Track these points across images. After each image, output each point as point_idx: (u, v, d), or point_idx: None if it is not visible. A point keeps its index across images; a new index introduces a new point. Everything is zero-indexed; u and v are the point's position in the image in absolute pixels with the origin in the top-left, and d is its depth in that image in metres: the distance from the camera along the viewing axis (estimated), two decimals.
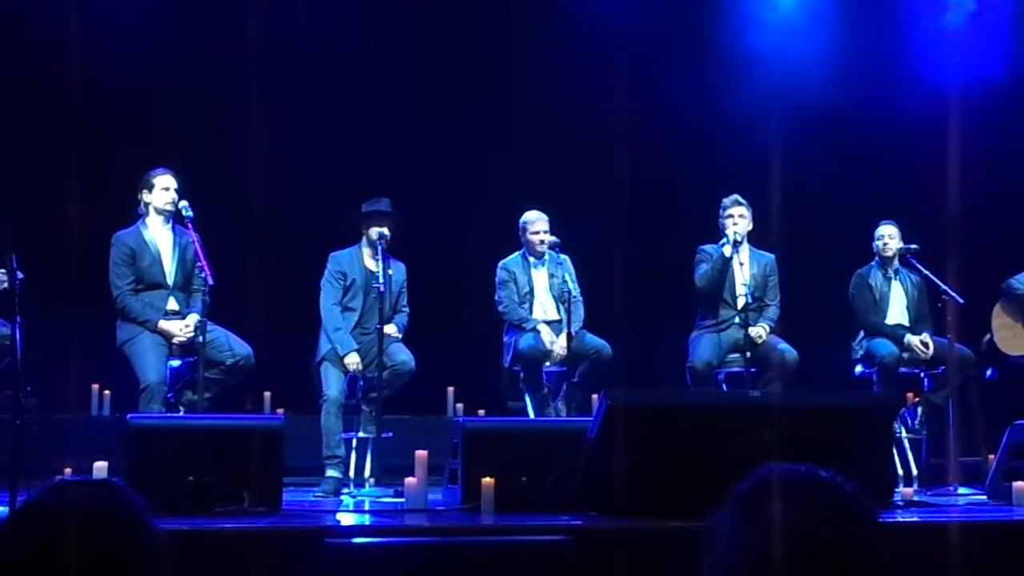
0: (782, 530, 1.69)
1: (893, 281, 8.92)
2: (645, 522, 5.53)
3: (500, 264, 8.72)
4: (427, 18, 10.30)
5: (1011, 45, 10.51)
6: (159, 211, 7.58)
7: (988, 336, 8.96)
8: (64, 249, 8.50)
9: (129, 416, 6.50)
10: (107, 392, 8.90)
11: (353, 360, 7.83)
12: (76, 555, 1.71)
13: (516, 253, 8.75)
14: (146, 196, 7.59)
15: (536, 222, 8.66)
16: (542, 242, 8.60)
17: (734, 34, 10.58)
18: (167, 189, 7.54)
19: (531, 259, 8.70)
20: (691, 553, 1.87)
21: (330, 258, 8.12)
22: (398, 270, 8.11)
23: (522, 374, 8.44)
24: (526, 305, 8.62)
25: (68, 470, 7.26)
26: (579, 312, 8.54)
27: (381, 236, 7.96)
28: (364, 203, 8.12)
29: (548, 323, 8.52)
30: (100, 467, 6.50)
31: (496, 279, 8.69)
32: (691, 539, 1.88)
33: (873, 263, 8.98)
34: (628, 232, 9.66)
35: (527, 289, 8.65)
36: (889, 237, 8.87)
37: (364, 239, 8.11)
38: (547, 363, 8.43)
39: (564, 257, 8.70)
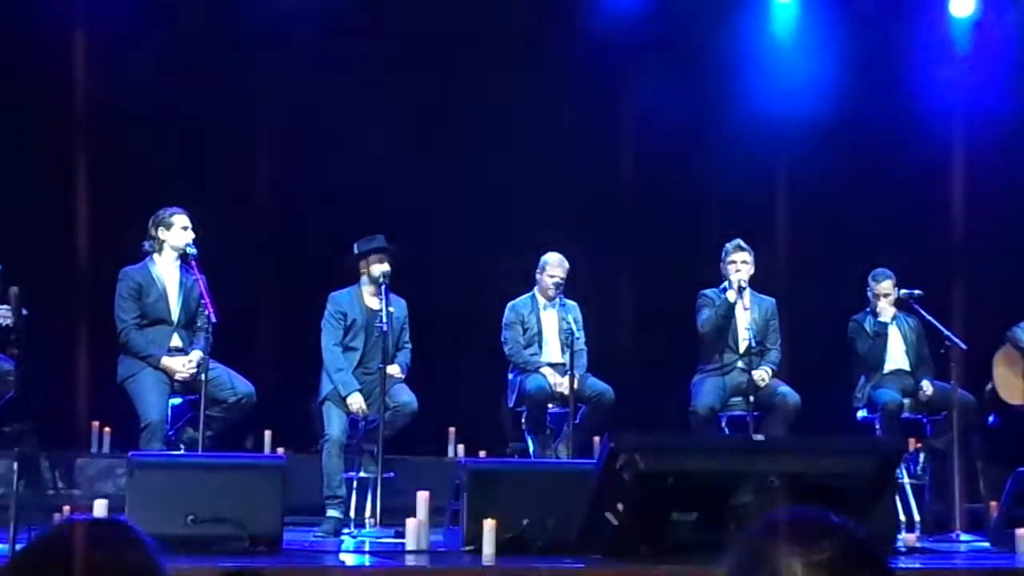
0: (793, 575, 1.68)
1: (890, 326, 8.90)
2: (647, 566, 5.51)
3: (509, 305, 8.72)
4: (427, 55, 10.33)
5: (1013, 83, 10.53)
6: (174, 249, 7.60)
7: (990, 384, 8.96)
8: (66, 285, 8.52)
9: (130, 454, 6.50)
10: (107, 429, 8.87)
11: (356, 401, 7.82)
12: None
13: (526, 295, 8.76)
14: (162, 234, 7.60)
15: (554, 265, 8.66)
16: (556, 286, 8.60)
17: (736, 80, 10.61)
18: (185, 229, 7.58)
19: (542, 301, 8.70)
20: None
21: (329, 299, 8.10)
22: (399, 306, 8.09)
23: (526, 415, 8.43)
24: (533, 347, 8.62)
25: (67, 508, 7.25)
26: (582, 359, 8.54)
27: (384, 274, 7.95)
28: (358, 241, 8.11)
29: (552, 365, 8.52)
30: (100, 504, 6.48)
31: (503, 320, 8.69)
32: None
33: (868, 309, 8.98)
34: (630, 275, 9.67)
35: (535, 331, 8.64)
36: (885, 295, 8.82)
37: (364, 278, 8.11)
38: (551, 405, 8.42)
39: (572, 303, 8.72)
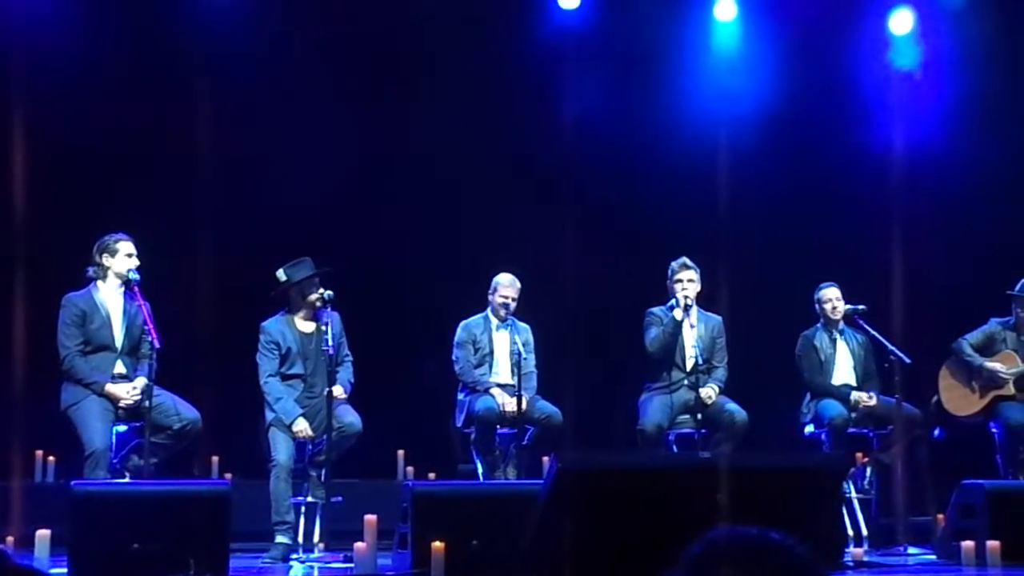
0: None
1: (839, 342, 8.99)
2: None
3: (461, 324, 8.71)
4: (384, 74, 10.33)
5: (953, 104, 10.64)
6: (118, 276, 7.54)
7: (935, 397, 9.03)
8: (6, 313, 8.43)
9: (73, 483, 6.42)
10: (51, 458, 8.78)
11: (301, 427, 7.77)
12: None
13: (479, 314, 8.75)
14: (106, 260, 7.54)
15: (506, 286, 8.65)
16: (506, 307, 8.60)
17: (681, 100, 10.68)
18: (130, 256, 7.53)
19: (494, 321, 8.70)
20: None
21: (261, 329, 8.01)
22: (334, 322, 8.01)
23: (474, 435, 8.41)
24: (484, 367, 8.61)
25: (10, 539, 7.15)
26: (531, 381, 8.55)
27: (329, 297, 7.91)
28: (285, 267, 8.04)
29: (502, 386, 8.51)
30: (43, 535, 6.40)
31: (455, 339, 8.68)
32: None
33: (818, 325, 9.05)
34: (576, 294, 9.68)
35: (487, 350, 8.64)
36: (836, 300, 8.94)
37: (300, 304, 8.04)
38: (500, 426, 8.41)
39: (524, 326, 8.72)
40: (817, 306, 9.05)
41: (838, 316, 8.94)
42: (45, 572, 1.60)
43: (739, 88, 10.59)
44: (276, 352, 7.94)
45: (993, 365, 8.87)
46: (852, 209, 10.56)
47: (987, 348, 8.98)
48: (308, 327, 8.01)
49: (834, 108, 10.68)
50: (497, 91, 10.42)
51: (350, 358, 8.16)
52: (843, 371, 8.95)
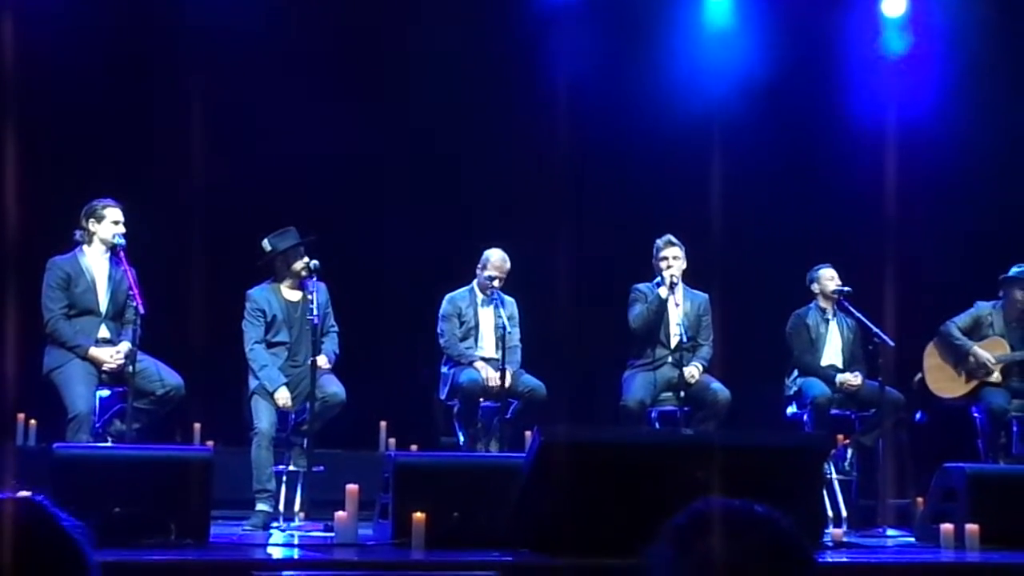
0: (717, 565, 1.67)
1: (831, 323, 8.98)
2: (577, 559, 5.51)
3: (447, 297, 8.70)
4: (370, 46, 10.29)
5: (946, 83, 10.64)
6: (103, 242, 7.51)
7: (919, 375, 9.00)
8: None
9: (55, 446, 6.41)
10: (33, 421, 8.76)
11: (283, 396, 7.76)
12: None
13: (465, 288, 8.73)
14: (92, 226, 7.52)
15: (497, 264, 8.61)
16: (495, 282, 8.57)
17: (675, 75, 10.65)
18: (116, 223, 7.50)
19: (480, 295, 8.68)
20: None
21: (247, 296, 8.00)
22: (320, 291, 8.01)
23: (457, 408, 8.41)
24: (469, 340, 8.60)
25: None
26: (516, 355, 8.54)
27: (315, 267, 7.90)
28: (270, 237, 8.03)
29: (487, 360, 8.50)
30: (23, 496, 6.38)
31: (440, 311, 8.67)
32: None
33: (812, 305, 9.04)
34: (561, 270, 9.67)
35: (472, 324, 8.63)
36: (834, 278, 8.92)
37: (286, 273, 8.03)
38: (483, 399, 8.41)
39: (510, 300, 8.71)
40: (816, 285, 9.01)
41: (829, 314, 8.93)
42: (85, 546, 1.58)
43: (730, 64, 10.57)
44: (261, 319, 7.93)
45: (982, 352, 8.86)
46: (842, 187, 10.55)
47: (975, 331, 8.98)
48: (294, 296, 8.01)
49: (826, 84, 10.67)
50: (486, 64, 10.39)
51: (335, 329, 8.15)
52: (832, 352, 8.95)
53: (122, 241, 7.46)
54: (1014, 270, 8.97)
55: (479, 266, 8.67)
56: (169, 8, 9.71)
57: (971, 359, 8.86)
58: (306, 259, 7.94)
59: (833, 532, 7.37)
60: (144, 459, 6.41)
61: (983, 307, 9.04)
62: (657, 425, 8.54)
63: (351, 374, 8.13)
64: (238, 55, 9.72)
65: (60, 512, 1.77)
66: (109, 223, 7.51)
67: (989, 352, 8.87)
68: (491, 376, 8.34)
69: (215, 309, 8.56)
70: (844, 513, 8.42)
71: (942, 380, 8.96)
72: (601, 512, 5.86)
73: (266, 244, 8.00)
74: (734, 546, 1.68)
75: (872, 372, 8.65)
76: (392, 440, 9.19)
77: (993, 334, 8.97)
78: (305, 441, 7.77)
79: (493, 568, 5.30)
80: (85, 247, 7.55)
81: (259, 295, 8.00)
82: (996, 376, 8.86)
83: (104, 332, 7.48)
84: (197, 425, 8.69)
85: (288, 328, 7.95)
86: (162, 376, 7.38)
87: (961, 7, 10.60)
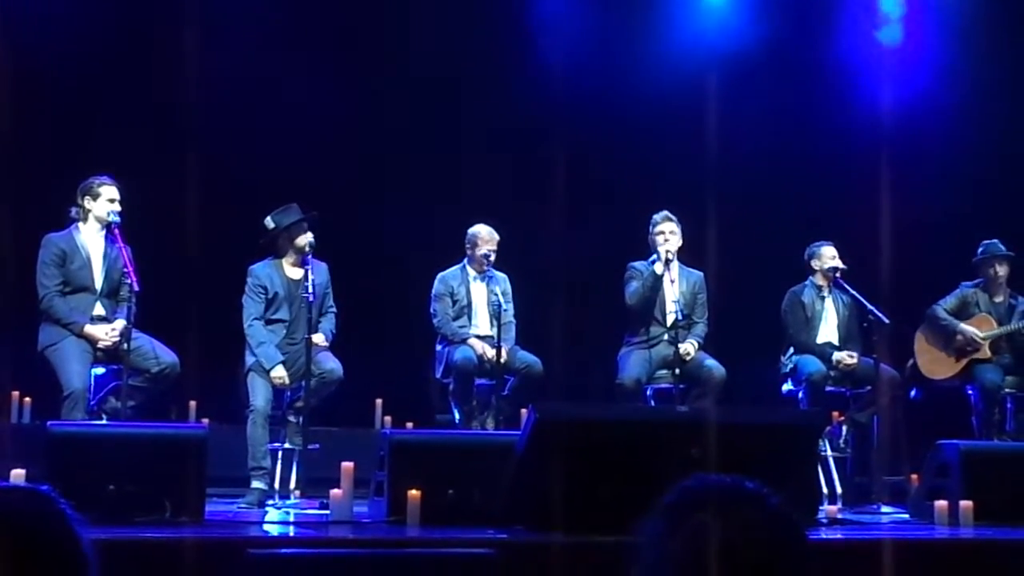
0: (709, 541, 1.67)
1: (827, 300, 8.99)
2: (571, 536, 5.52)
3: (439, 276, 8.70)
4: (365, 23, 10.26)
5: (944, 64, 10.62)
6: (99, 219, 7.51)
7: (911, 361, 9.08)
8: None
9: (50, 423, 6.40)
10: (27, 399, 8.76)
11: (279, 374, 7.76)
12: (2, 564, 1.65)
13: (456, 266, 8.73)
14: (88, 203, 7.52)
15: (486, 239, 8.62)
16: (486, 258, 8.57)
17: (669, 50, 10.62)
18: (112, 201, 7.49)
19: (472, 272, 8.68)
20: (618, 567, 1.85)
21: (249, 272, 8.01)
22: (320, 271, 8.03)
23: (452, 386, 8.42)
24: (463, 318, 8.60)
25: None
26: (511, 332, 8.55)
27: (310, 244, 7.91)
28: (273, 214, 8.02)
29: (481, 338, 8.50)
30: (18, 475, 6.39)
31: (432, 291, 8.67)
32: (618, 553, 1.87)
33: (807, 282, 9.04)
34: (558, 248, 9.67)
35: (465, 302, 8.63)
36: (835, 257, 8.91)
37: (285, 249, 8.03)
38: (478, 377, 8.41)
39: (502, 276, 8.70)
40: (816, 262, 9.01)
41: (825, 292, 8.95)
42: (87, 546, 1.57)
43: (727, 39, 10.54)
44: (263, 296, 7.93)
45: (968, 328, 8.92)
46: (838, 168, 10.54)
47: (962, 311, 9.04)
48: (296, 273, 8.00)
49: (823, 60, 10.65)
50: (479, 36, 10.36)
51: (334, 310, 8.15)
52: (828, 330, 8.97)
53: (117, 219, 7.46)
54: (981, 249, 9.07)
55: (468, 244, 8.67)
56: None
57: (959, 337, 8.93)
58: (310, 234, 7.94)
59: (828, 509, 7.38)
60: (139, 437, 6.40)
61: (967, 288, 9.12)
62: (653, 402, 8.55)
63: (347, 352, 8.13)
64: (236, 30, 9.69)
65: (61, 501, 1.76)
66: (105, 200, 7.51)
67: (977, 328, 8.93)
68: (487, 351, 8.34)
69: (211, 287, 8.57)
70: (839, 490, 8.43)
71: (934, 363, 9.02)
72: (597, 489, 5.86)
73: (269, 222, 8.00)
74: (724, 523, 1.69)
75: (867, 350, 8.66)
76: (388, 418, 9.21)
77: (980, 312, 9.03)
78: (301, 419, 7.77)
79: (488, 545, 5.30)
80: (80, 224, 7.55)
81: (261, 271, 8.00)
82: (985, 351, 8.90)
83: (99, 309, 7.48)
84: (192, 403, 8.71)
85: (288, 305, 7.95)
86: (157, 354, 7.37)
87: None
